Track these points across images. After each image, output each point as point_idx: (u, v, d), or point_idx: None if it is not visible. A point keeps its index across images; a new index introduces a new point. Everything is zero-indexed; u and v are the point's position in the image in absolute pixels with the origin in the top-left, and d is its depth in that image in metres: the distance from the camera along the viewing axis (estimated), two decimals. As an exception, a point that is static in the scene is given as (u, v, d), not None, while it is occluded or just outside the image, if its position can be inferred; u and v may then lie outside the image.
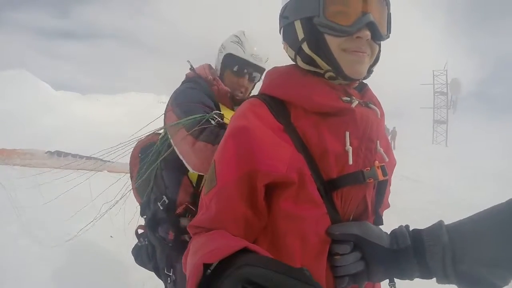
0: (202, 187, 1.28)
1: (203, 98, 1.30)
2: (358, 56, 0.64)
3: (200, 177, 1.29)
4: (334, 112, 0.64)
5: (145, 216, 1.47)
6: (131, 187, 1.59)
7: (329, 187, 0.64)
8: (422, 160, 11.66)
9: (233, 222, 0.63)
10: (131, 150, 1.51)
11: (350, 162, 0.63)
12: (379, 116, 0.69)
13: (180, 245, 1.29)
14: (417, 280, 0.63)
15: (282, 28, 0.72)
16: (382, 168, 0.66)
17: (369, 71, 0.70)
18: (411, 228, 0.65)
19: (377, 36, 0.64)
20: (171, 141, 1.26)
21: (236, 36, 1.40)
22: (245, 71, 1.38)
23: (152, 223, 1.38)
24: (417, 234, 0.61)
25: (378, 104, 0.72)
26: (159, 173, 1.40)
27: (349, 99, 0.65)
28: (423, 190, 6.85)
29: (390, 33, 0.68)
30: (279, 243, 0.64)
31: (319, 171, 0.63)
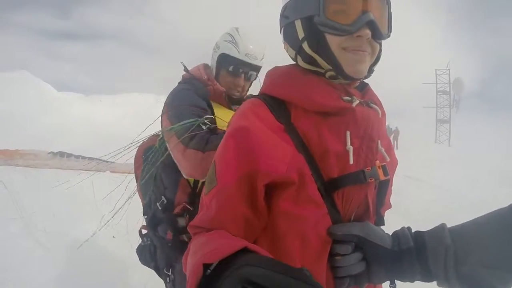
0: (199, 187, 1.30)
1: (196, 100, 1.31)
2: (359, 55, 0.63)
3: None
4: (335, 111, 0.64)
5: (145, 216, 1.49)
6: (136, 188, 1.61)
7: (329, 187, 0.63)
8: (424, 160, 11.62)
9: (233, 222, 0.63)
10: (135, 151, 1.52)
11: (351, 161, 0.63)
12: (380, 116, 0.68)
13: (178, 245, 1.31)
14: (417, 282, 0.63)
15: (282, 28, 0.72)
16: (383, 168, 0.66)
17: (370, 71, 0.69)
18: (413, 229, 0.65)
19: (378, 35, 0.63)
20: (167, 145, 1.29)
21: (230, 34, 1.37)
22: (241, 70, 1.36)
23: (152, 223, 1.40)
24: (419, 236, 0.61)
25: (379, 104, 0.71)
26: (158, 174, 1.42)
27: (350, 98, 0.65)
28: (425, 190, 6.83)
29: (391, 32, 0.67)
30: (279, 243, 0.64)
31: (319, 171, 0.63)
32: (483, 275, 0.54)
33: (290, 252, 0.62)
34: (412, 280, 0.61)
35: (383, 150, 0.67)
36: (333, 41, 0.63)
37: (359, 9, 0.61)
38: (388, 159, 0.68)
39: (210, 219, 0.65)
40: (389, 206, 0.78)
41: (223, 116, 1.30)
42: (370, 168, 0.65)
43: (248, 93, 1.47)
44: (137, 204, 1.65)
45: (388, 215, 0.76)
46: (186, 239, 1.30)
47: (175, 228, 1.32)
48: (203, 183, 1.27)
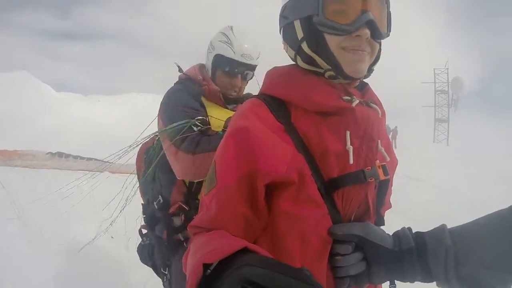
0: (194, 187, 1.31)
1: (188, 100, 1.32)
2: (358, 55, 0.63)
3: None
4: (335, 111, 0.64)
5: (144, 215, 1.50)
6: (135, 188, 1.62)
7: (330, 187, 0.63)
8: (423, 159, 11.64)
9: (233, 222, 0.63)
10: (135, 152, 1.53)
11: (351, 161, 0.63)
12: (379, 115, 0.68)
13: (174, 244, 1.32)
14: (416, 282, 0.63)
15: (281, 28, 0.72)
16: (383, 168, 0.66)
17: (370, 70, 0.69)
18: (413, 229, 0.65)
19: (377, 34, 0.63)
20: (163, 145, 1.30)
21: (224, 34, 1.36)
22: (237, 71, 1.36)
23: (150, 222, 1.42)
24: (420, 237, 0.61)
25: (378, 103, 0.71)
26: (156, 173, 1.43)
27: (349, 98, 0.65)
28: (424, 189, 6.84)
29: (390, 31, 0.67)
30: (279, 243, 0.63)
31: (319, 171, 0.63)
32: (483, 276, 0.54)
33: (290, 252, 0.62)
34: (412, 281, 0.61)
35: (383, 149, 0.67)
36: (332, 41, 0.63)
37: (358, 8, 0.61)
38: (388, 159, 0.68)
39: (210, 219, 0.65)
40: (389, 206, 0.78)
41: (218, 116, 1.31)
42: (370, 167, 0.65)
43: (245, 91, 1.48)
44: (136, 204, 1.65)
45: (387, 215, 0.76)
46: (182, 238, 1.32)
47: (170, 227, 1.33)
48: (198, 183, 1.30)
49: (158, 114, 1.36)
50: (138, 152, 1.53)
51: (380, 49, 0.68)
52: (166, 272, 1.39)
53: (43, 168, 6.46)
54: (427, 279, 0.59)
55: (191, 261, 0.55)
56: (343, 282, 0.63)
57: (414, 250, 0.60)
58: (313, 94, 0.65)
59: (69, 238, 2.82)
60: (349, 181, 0.63)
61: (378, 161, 0.66)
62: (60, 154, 8.19)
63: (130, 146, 1.51)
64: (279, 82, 0.71)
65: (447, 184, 7.43)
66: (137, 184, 1.61)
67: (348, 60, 0.63)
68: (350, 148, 0.63)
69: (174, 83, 1.45)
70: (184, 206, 1.30)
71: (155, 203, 1.39)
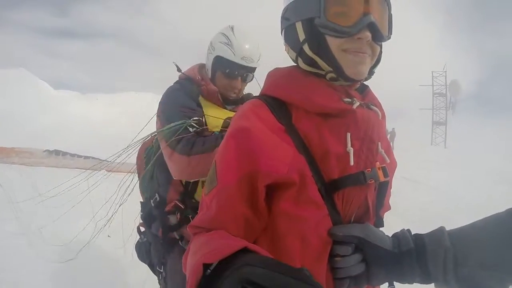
0: (190, 186, 1.33)
1: (185, 100, 1.32)
2: (359, 57, 0.63)
3: None
4: (335, 113, 0.64)
5: (141, 213, 1.51)
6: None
7: (330, 188, 0.64)
8: (421, 161, 11.68)
9: (233, 222, 0.63)
10: (135, 151, 1.54)
11: (351, 163, 0.63)
12: (380, 117, 0.69)
13: (169, 242, 1.34)
14: (415, 284, 0.63)
15: (283, 30, 0.72)
16: (383, 169, 0.66)
17: (371, 72, 0.69)
18: (411, 231, 0.65)
19: (378, 37, 0.63)
20: (160, 145, 1.32)
21: (224, 35, 1.35)
22: (237, 73, 1.36)
23: (147, 220, 1.43)
24: (419, 238, 0.62)
25: (379, 106, 0.72)
26: (155, 172, 1.44)
27: (350, 100, 0.65)
28: (422, 191, 6.86)
29: (391, 34, 0.67)
30: (279, 243, 0.64)
31: (320, 172, 0.63)
32: (482, 277, 0.55)
33: (290, 253, 0.62)
34: (411, 282, 0.61)
35: (383, 152, 0.68)
36: (334, 43, 0.63)
37: (360, 11, 0.61)
38: (388, 161, 0.69)
39: (210, 219, 0.65)
40: (389, 208, 0.78)
41: (216, 116, 1.32)
42: (370, 169, 0.65)
43: (245, 91, 1.48)
44: (133, 204, 1.65)
45: (386, 217, 0.77)
46: (177, 237, 1.33)
47: (165, 225, 1.34)
48: (194, 182, 1.32)
49: (157, 114, 1.37)
50: (139, 151, 1.54)
51: (381, 52, 0.68)
52: (162, 270, 1.40)
53: (40, 165, 6.44)
54: (426, 280, 0.60)
55: (191, 261, 0.55)
56: (342, 283, 0.63)
57: (413, 252, 0.60)
58: (314, 95, 0.65)
59: (67, 237, 2.81)
60: (349, 183, 0.64)
61: (378, 163, 0.66)
62: (57, 152, 8.17)
63: (127, 146, 1.51)
64: (280, 83, 0.71)
65: (444, 186, 7.46)
66: (134, 183, 1.62)
67: (349, 62, 0.63)
68: (351, 150, 0.63)
69: (174, 83, 1.45)
70: (180, 205, 1.31)
71: (152, 201, 1.40)
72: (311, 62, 0.67)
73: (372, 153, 0.66)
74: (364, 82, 0.74)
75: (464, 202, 5.72)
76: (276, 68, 0.76)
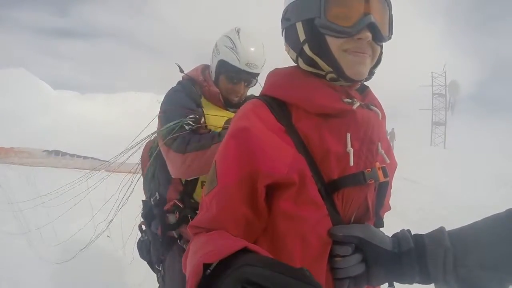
0: (190, 186, 1.34)
1: (187, 101, 1.34)
2: (359, 57, 0.64)
3: None
4: (335, 113, 0.64)
5: (142, 212, 1.53)
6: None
7: (330, 188, 0.64)
8: (420, 162, 11.68)
9: (233, 223, 0.63)
10: (136, 151, 1.56)
11: (351, 163, 0.63)
12: (380, 118, 0.69)
13: (168, 241, 1.35)
14: (415, 284, 0.63)
15: (283, 30, 0.72)
16: (383, 170, 0.66)
17: (371, 73, 0.69)
18: (410, 231, 0.65)
19: (378, 37, 0.63)
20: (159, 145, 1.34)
21: (230, 38, 1.35)
22: (240, 78, 1.36)
23: (147, 218, 1.45)
24: (419, 238, 0.62)
25: (379, 106, 0.72)
26: (155, 171, 1.47)
27: (350, 100, 0.65)
28: (421, 192, 6.87)
29: (392, 34, 0.67)
30: (279, 243, 0.64)
31: (320, 173, 0.63)
32: (482, 277, 0.55)
33: (290, 253, 0.62)
34: (411, 282, 0.61)
35: (383, 152, 0.68)
36: (334, 43, 0.63)
37: (360, 11, 0.61)
38: (388, 161, 0.69)
39: (210, 219, 0.65)
40: (388, 208, 0.78)
41: (216, 117, 1.33)
42: (370, 169, 0.65)
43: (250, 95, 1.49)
44: (132, 204, 1.65)
45: (385, 217, 0.77)
46: (176, 235, 1.34)
47: (164, 223, 1.36)
48: (193, 182, 1.33)
49: (158, 115, 1.39)
50: (143, 150, 1.56)
51: (381, 52, 0.68)
52: (160, 268, 1.42)
53: (39, 166, 6.43)
54: (425, 280, 0.60)
55: (191, 261, 0.55)
56: (342, 284, 0.63)
57: (413, 252, 0.60)
58: (314, 96, 0.65)
59: (66, 237, 2.81)
60: (349, 183, 0.64)
61: (378, 163, 0.66)
62: (56, 152, 8.17)
63: (128, 147, 1.52)
64: (281, 83, 0.71)
65: (444, 186, 7.47)
66: (134, 184, 1.63)
67: (350, 62, 0.63)
68: (351, 150, 0.63)
69: (176, 84, 1.46)
70: (179, 204, 1.33)
71: (152, 199, 1.42)
72: (311, 63, 0.67)
73: (372, 153, 0.66)
74: (365, 83, 0.74)
75: (464, 202, 5.73)
76: (276, 68, 0.76)
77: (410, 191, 6.53)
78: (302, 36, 0.66)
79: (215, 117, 1.34)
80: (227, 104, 1.40)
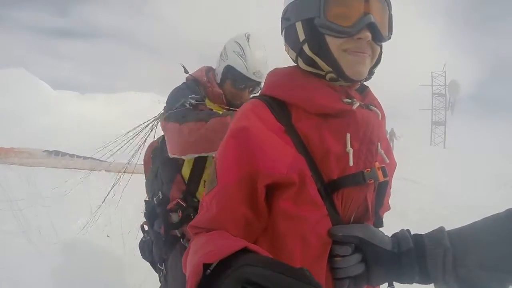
0: (193, 185, 1.35)
1: (189, 96, 1.35)
2: (359, 57, 0.64)
3: (191, 175, 1.35)
4: (335, 113, 0.64)
5: (145, 211, 1.53)
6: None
7: (329, 188, 0.64)
8: (420, 161, 11.68)
9: (233, 223, 0.63)
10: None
11: (351, 163, 0.63)
12: (379, 118, 0.69)
13: (171, 240, 1.36)
14: (415, 284, 0.63)
15: (283, 30, 0.72)
16: (383, 170, 0.66)
17: (371, 73, 0.69)
18: (410, 231, 0.65)
19: (378, 37, 0.63)
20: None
21: (239, 45, 1.36)
22: (246, 86, 1.39)
23: (150, 217, 1.46)
24: (418, 238, 0.62)
25: (379, 106, 0.72)
26: (158, 171, 1.47)
27: (350, 101, 0.66)
28: (421, 192, 6.87)
29: (391, 34, 0.67)
30: (279, 243, 0.64)
31: (319, 172, 0.63)
32: (481, 277, 0.55)
33: (290, 253, 0.62)
34: (410, 282, 0.61)
35: (382, 152, 0.68)
36: (334, 43, 0.63)
37: (360, 11, 0.61)
38: (388, 161, 0.69)
39: (210, 219, 0.65)
40: (388, 208, 0.78)
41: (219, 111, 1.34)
42: (369, 169, 0.65)
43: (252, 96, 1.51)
44: (132, 205, 1.65)
45: (384, 217, 0.77)
46: (179, 234, 1.35)
47: (167, 222, 1.37)
48: (196, 181, 1.34)
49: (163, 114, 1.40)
50: (146, 152, 1.58)
51: (381, 52, 0.68)
52: (162, 268, 1.43)
53: (39, 166, 6.43)
54: (425, 280, 0.60)
55: (191, 261, 0.55)
56: (342, 284, 0.63)
57: (413, 252, 0.60)
58: (314, 96, 0.65)
59: (65, 237, 2.81)
60: (348, 183, 0.64)
61: (377, 163, 0.66)
62: (56, 152, 8.16)
63: (116, 140, 1.54)
64: (280, 83, 0.71)
65: (444, 186, 7.47)
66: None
67: (349, 62, 0.63)
68: (350, 151, 0.63)
69: (181, 84, 1.49)
70: (182, 203, 1.34)
71: (155, 199, 1.43)
72: (311, 62, 0.67)
73: (372, 153, 0.66)
74: (364, 83, 0.74)
75: (464, 202, 5.73)
76: (276, 68, 0.76)
77: (410, 191, 6.53)
78: (301, 36, 0.66)
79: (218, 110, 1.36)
80: (230, 105, 1.42)
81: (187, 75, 1.49)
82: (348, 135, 0.63)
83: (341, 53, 0.63)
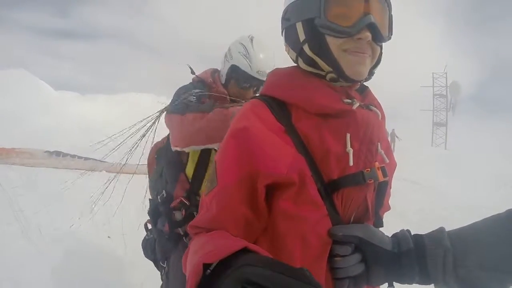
0: (196, 184, 1.38)
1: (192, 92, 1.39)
2: (359, 57, 0.64)
3: (195, 174, 1.38)
4: (335, 113, 0.64)
5: (148, 210, 1.56)
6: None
7: (329, 188, 0.64)
8: (421, 162, 11.67)
9: (233, 223, 0.63)
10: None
11: (351, 163, 0.63)
12: (379, 118, 0.69)
13: (174, 237, 1.38)
14: (415, 284, 0.63)
15: (283, 30, 0.73)
16: (382, 169, 0.66)
17: (371, 73, 0.70)
18: (410, 231, 0.65)
19: (378, 37, 0.64)
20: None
21: (243, 46, 1.41)
22: (250, 85, 1.42)
23: (153, 216, 1.48)
24: (419, 238, 0.62)
25: (379, 106, 0.72)
26: (163, 170, 1.50)
27: (350, 101, 0.66)
28: (422, 192, 6.86)
29: (391, 34, 0.68)
30: (279, 243, 0.64)
31: (319, 172, 0.63)
32: (481, 277, 0.55)
33: (290, 253, 0.62)
34: (410, 282, 0.61)
35: (382, 152, 0.68)
36: (334, 43, 0.63)
37: (360, 11, 0.61)
38: (388, 161, 0.69)
39: (210, 219, 0.65)
40: (388, 208, 0.78)
41: None
42: (369, 169, 0.65)
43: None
44: (133, 206, 1.66)
45: (384, 217, 0.77)
46: (182, 232, 1.37)
47: (171, 220, 1.39)
48: (198, 179, 1.36)
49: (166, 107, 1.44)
50: (150, 152, 1.61)
51: (381, 52, 0.68)
52: (165, 265, 1.45)
53: (40, 166, 6.44)
54: (425, 281, 0.60)
55: (191, 261, 0.55)
56: (342, 283, 0.63)
57: (413, 252, 0.60)
58: (314, 96, 0.65)
59: (65, 237, 2.81)
60: (348, 183, 0.64)
61: (377, 163, 0.66)
62: (57, 153, 8.16)
63: (120, 144, 1.56)
64: (281, 83, 0.71)
65: (445, 187, 7.46)
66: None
67: (349, 62, 0.64)
68: (350, 151, 0.63)
69: (188, 83, 1.52)
70: (185, 201, 1.36)
71: (159, 197, 1.45)
72: (311, 63, 0.67)
73: (372, 153, 0.66)
74: (365, 83, 0.74)
75: (464, 203, 5.72)
76: (276, 68, 0.76)
77: (410, 192, 6.52)
78: (302, 36, 0.66)
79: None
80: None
81: (193, 76, 1.53)
82: (348, 135, 0.63)
83: (341, 53, 0.63)
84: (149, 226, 1.57)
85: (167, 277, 1.44)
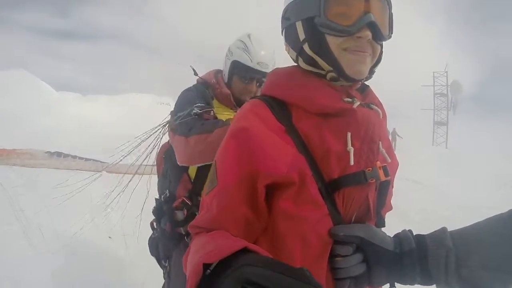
0: (198, 184, 1.38)
1: (196, 99, 1.41)
2: (359, 56, 0.63)
3: (198, 174, 1.39)
4: (336, 113, 0.64)
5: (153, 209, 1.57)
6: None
7: (330, 188, 0.63)
8: (422, 162, 11.66)
9: (233, 223, 0.63)
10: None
11: (352, 162, 0.63)
12: (380, 117, 0.68)
13: (176, 237, 1.40)
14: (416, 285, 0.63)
15: (283, 30, 0.72)
16: (384, 169, 0.66)
17: (371, 72, 0.69)
18: (412, 231, 0.65)
19: (378, 36, 0.63)
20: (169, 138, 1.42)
21: (242, 41, 1.44)
22: (252, 78, 1.43)
23: (157, 215, 1.50)
24: (420, 239, 0.61)
25: (380, 105, 0.72)
26: (167, 170, 1.52)
27: (350, 100, 0.65)
28: (423, 192, 6.85)
29: (392, 33, 0.67)
30: (279, 243, 0.63)
31: (320, 172, 0.63)
32: (484, 277, 0.55)
33: (290, 253, 0.62)
34: (412, 283, 0.61)
35: (384, 151, 0.67)
36: (334, 42, 0.63)
37: (360, 10, 0.61)
38: (389, 160, 0.68)
39: (210, 219, 0.65)
40: (390, 208, 0.77)
41: (224, 116, 1.39)
42: (370, 168, 0.65)
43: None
44: (133, 206, 1.67)
45: (386, 217, 0.76)
46: (183, 232, 1.39)
47: (172, 220, 1.41)
48: (201, 180, 1.36)
49: (170, 116, 1.46)
50: (158, 153, 1.63)
51: (381, 51, 0.68)
52: (167, 264, 1.47)
53: (41, 167, 6.45)
54: (427, 281, 0.59)
55: (192, 261, 0.55)
56: (343, 284, 0.62)
57: (415, 252, 0.60)
58: (314, 95, 0.65)
59: (66, 238, 2.81)
60: (349, 182, 0.63)
61: (378, 162, 0.66)
62: (58, 154, 8.19)
63: (130, 151, 1.58)
64: (281, 83, 0.71)
65: (446, 186, 7.45)
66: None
67: (349, 61, 0.63)
68: (351, 149, 0.63)
69: (191, 86, 1.54)
70: (187, 201, 1.38)
71: (162, 197, 1.48)
72: (311, 62, 0.67)
73: (373, 152, 0.66)
74: (365, 82, 0.73)
75: (466, 203, 5.71)
76: (277, 68, 0.76)
77: (412, 192, 6.52)
78: (302, 35, 0.66)
79: (226, 118, 1.39)
80: (239, 105, 1.46)
81: (197, 77, 1.55)
82: (349, 134, 0.63)
83: (342, 52, 0.63)
84: (155, 225, 1.58)
85: (169, 276, 1.46)
